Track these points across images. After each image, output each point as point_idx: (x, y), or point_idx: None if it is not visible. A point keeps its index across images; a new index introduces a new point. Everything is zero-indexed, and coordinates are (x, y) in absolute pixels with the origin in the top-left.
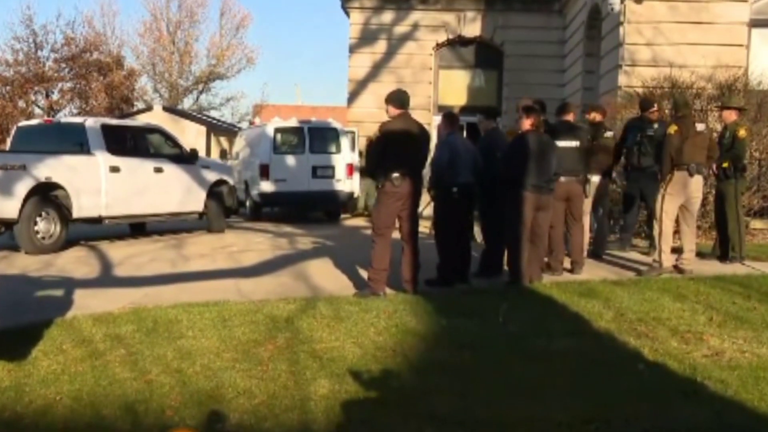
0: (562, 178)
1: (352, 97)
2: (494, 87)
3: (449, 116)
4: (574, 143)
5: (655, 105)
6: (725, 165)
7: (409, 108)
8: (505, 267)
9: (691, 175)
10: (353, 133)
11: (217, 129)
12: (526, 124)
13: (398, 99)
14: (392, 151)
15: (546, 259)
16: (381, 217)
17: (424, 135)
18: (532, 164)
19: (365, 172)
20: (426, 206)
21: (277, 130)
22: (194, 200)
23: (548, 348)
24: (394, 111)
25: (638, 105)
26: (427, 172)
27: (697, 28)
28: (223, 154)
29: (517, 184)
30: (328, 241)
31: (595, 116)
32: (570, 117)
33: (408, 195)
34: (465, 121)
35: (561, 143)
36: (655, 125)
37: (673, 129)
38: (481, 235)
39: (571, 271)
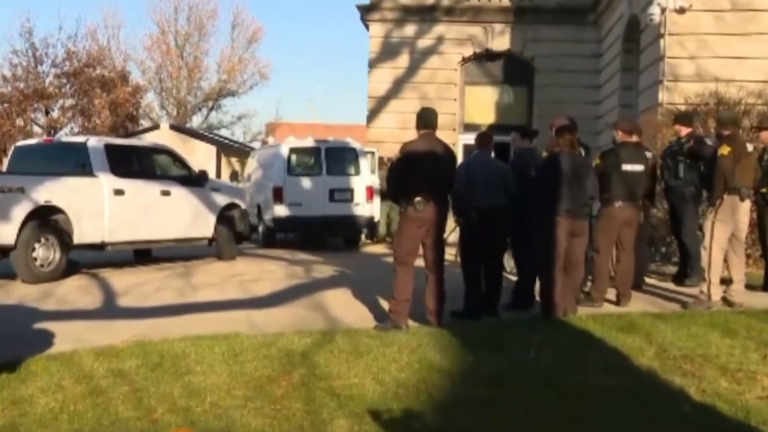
0: (620, 203)
1: (372, 114)
2: (524, 104)
3: (480, 136)
4: (639, 167)
5: (693, 120)
6: (764, 190)
7: (436, 127)
8: (538, 298)
9: (742, 199)
10: (373, 153)
11: (227, 149)
12: (560, 144)
13: (422, 118)
14: (415, 173)
15: (586, 289)
16: (403, 244)
17: (449, 156)
18: (566, 187)
19: (386, 195)
20: (451, 232)
21: (291, 151)
22: (203, 225)
23: (583, 385)
24: (420, 131)
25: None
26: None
27: (745, 39)
28: (234, 175)
29: (549, 208)
30: (347, 269)
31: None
32: (635, 138)
33: (432, 220)
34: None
35: (626, 167)
36: (683, 140)
37: (725, 150)
38: (511, 262)
39: (616, 303)
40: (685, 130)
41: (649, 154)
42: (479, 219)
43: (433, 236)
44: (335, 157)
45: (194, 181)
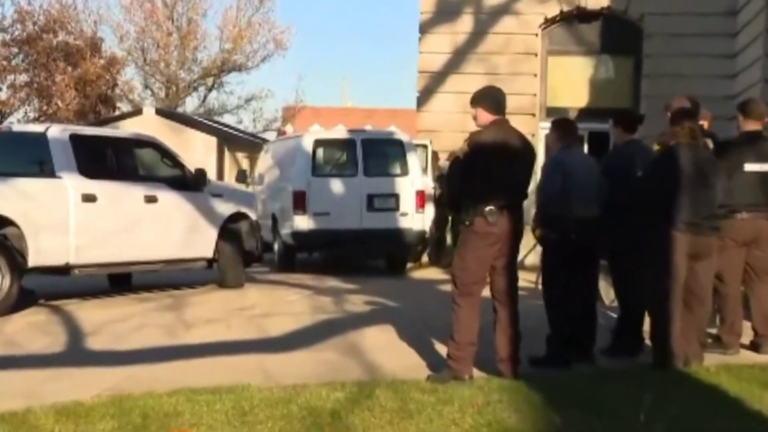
0: (744, 214)
1: (424, 96)
2: (629, 80)
3: (562, 124)
4: None
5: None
6: None
7: (507, 113)
8: (648, 341)
9: None
10: (425, 146)
11: (233, 141)
12: (677, 134)
13: (492, 100)
14: (485, 173)
15: (713, 331)
16: (468, 267)
17: (528, 151)
18: (686, 192)
19: (444, 203)
20: (529, 252)
21: (317, 144)
22: (201, 242)
23: None
24: (487, 117)
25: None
26: (530, 203)
27: None
28: (242, 176)
29: (663, 220)
30: (390, 300)
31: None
32: (759, 125)
33: (506, 236)
34: (586, 129)
35: (749, 167)
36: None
37: None
38: (611, 293)
39: (753, 348)
40: None
41: None
42: (577, 234)
43: (507, 257)
44: (375, 152)
45: (189, 183)
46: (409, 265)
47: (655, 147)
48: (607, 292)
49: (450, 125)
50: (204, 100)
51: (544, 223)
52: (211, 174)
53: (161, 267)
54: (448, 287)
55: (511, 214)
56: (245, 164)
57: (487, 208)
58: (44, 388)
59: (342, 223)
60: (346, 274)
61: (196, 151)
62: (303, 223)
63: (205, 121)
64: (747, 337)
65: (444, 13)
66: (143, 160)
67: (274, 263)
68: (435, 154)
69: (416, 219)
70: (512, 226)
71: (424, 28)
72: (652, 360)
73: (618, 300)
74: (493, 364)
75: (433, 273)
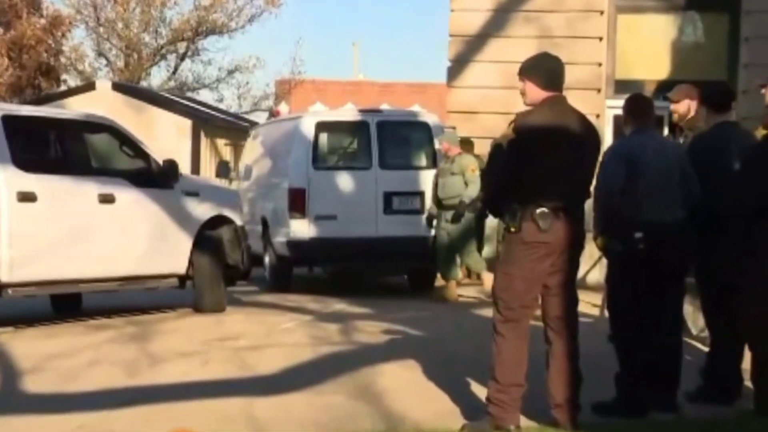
0: None
1: (457, 67)
2: (723, 45)
3: (633, 101)
4: None
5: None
6: None
7: (564, 88)
8: (749, 383)
9: None
10: (455, 130)
11: (212, 124)
12: None
13: (545, 71)
14: (534, 166)
15: None
16: (513, 286)
17: (591, 137)
18: None
19: (482, 203)
20: (592, 267)
21: (320, 127)
22: (170, 254)
23: None
24: (538, 93)
25: None
26: (590, 205)
27: None
28: (224, 169)
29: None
30: (413, 328)
31: None
32: None
33: (562, 247)
34: (666, 109)
35: None
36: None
37: None
38: (700, 321)
39: None
40: None
41: None
42: (648, 245)
43: (563, 274)
44: (394, 139)
45: (155, 178)
46: (438, 283)
47: (759, 132)
48: (694, 319)
49: (490, 104)
50: (175, 72)
51: (605, 230)
52: (185, 166)
53: (120, 286)
54: (487, 312)
55: (568, 219)
56: (228, 154)
57: (538, 211)
58: None
59: (352, 229)
60: (356, 295)
61: (165, 136)
62: (302, 229)
63: (177, 99)
64: None
65: None
66: (97, 148)
67: (264, 281)
68: (468, 142)
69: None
70: (570, 233)
71: None
72: (754, 406)
73: (709, 330)
74: (546, 411)
75: (467, 291)
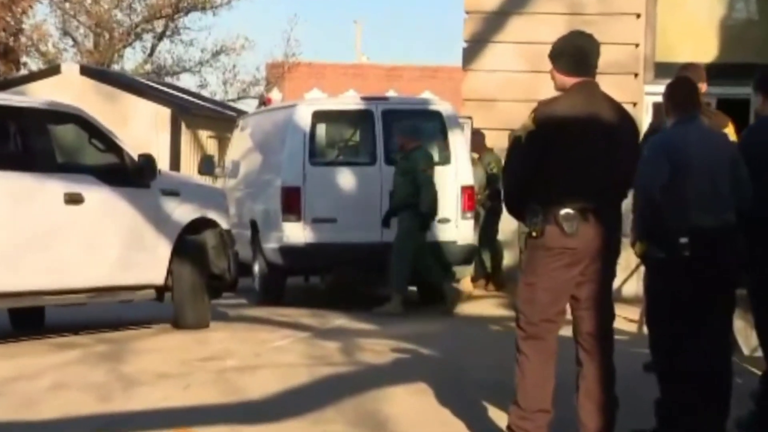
0: None
1: (474, 48)
2: None
3: (678, 87)
4: None
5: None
6: None
7: (596, 72)
8: None
9: None
10: (471, 121)
11: (194, 114)
12: None
13: (575, 53)
14: (558, 161)
15: None
16: (536, 298)
17: (626, 128)
18: None
19: (501, 202)
20: (629, 277)
21: (318, 117)
22: (147, 262)
23: None
24: (565, 78)
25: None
26: (628, 207)
27: None
28: (208, 165)
29: None
30: (424, 347)
31: None
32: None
33: (592, 253)
34: (714, 96)
35: None
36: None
37: None
38: (752, 339)
39: None
40: None
41: None
42: (694, 252)
43: (595, 284)
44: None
45: (129, 176)
46: (452, 293)
47: None
48: (746, 337)
49: (511, 90)
50: (151, 54)
51: (645, 234)
52: (163, 162)
53: (89, 298)
54: (508, 326)
55: (598, 221)
56: (212, 147)
57: (562, 212)
58: None
59: (354, 233)
60: (358, 309)
61: (141, 128)
62: (297, 233)
63: (154, 85)
64: None
65: None
66: (62, 141)
67: (253, 292)
68: (478, 135)
69: (462, 228)
70: (601, 238)
71: None
72: None
73: (763, 350)
74: None
75: (487, 307)
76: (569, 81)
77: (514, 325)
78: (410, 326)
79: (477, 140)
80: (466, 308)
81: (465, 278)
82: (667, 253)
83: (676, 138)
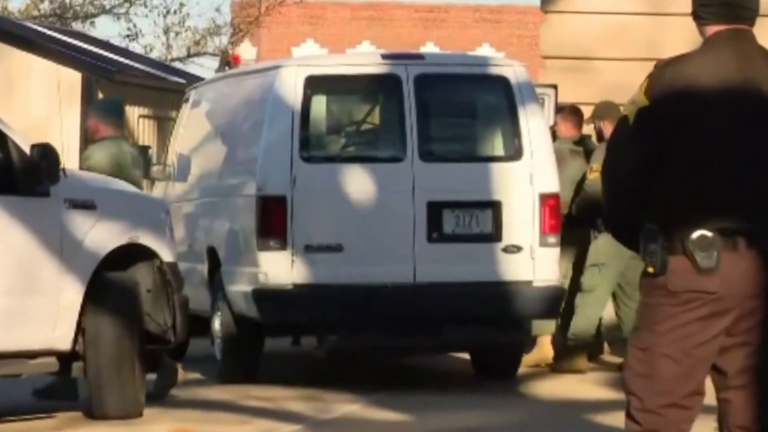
0: None
1: None
2: None
3: None
4: None
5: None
6: None
7: (755, 16)
8: None
9: None
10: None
11: (116, 81)
12: None
13: None
14: (685, 156)
15: None
16: (654, 371)
17: None
18: None
19: (602, 219)
20: None
21: (313, 85)
22: (43, 314)
23: None
24: (705, 27)
25: None
26: None
27: None
28: (143, 159)
29: None
30: None
31: None
32: None
33: (744, 300)
34: None
35: None
36: None
37: None
38: None
39: None
40: None
41: None
42: None
43: (751, 350)
44: (445, 107)
45: (18, 177)
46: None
47: None
48: None
49: (618, 45)
50: None
51: None
52: (71, 156)
53: None
54: (617, 414)
55: (754, 250)
56: (147, 133)
57: (695, 236)
58: None
59: (370, 270)
60: (376, 388)
61: (36, 101)
62: (281, 269)
63: (55, 35)
64: None
65: None
66: None
67: (213, 361)
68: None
69: (544, 259)
70: (758, 276)
71: None
72: None
73: None
74: None
75: (584, 385)
76: (712, 29)
77: (624, 416)
78: (461, 413)
79: (566, 121)
80: (551, 386)
81: (545, 338)
82: None
83: None
